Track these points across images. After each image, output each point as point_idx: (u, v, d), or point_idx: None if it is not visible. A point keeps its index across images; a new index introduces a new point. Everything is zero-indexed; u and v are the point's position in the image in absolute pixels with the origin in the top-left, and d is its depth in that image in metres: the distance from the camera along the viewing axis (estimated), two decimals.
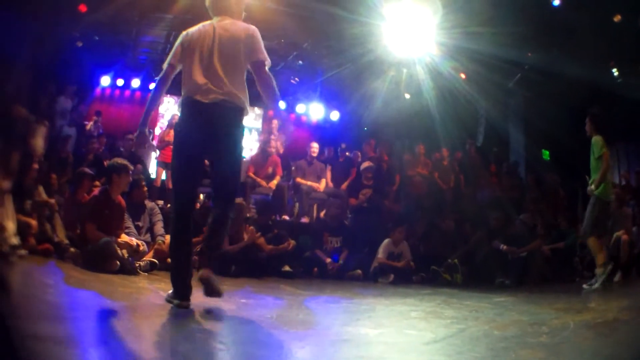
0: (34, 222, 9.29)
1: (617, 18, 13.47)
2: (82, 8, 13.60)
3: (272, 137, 16.05)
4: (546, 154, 18.96)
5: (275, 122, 17.11)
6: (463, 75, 16.67)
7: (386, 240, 11.82)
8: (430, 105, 16.85)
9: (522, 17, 13.57)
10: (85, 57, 17.50)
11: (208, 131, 6.23)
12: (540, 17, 13.81)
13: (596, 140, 10.36)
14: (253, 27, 6.85)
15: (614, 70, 16.18)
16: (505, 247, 12.01)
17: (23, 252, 7.83)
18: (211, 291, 5.93)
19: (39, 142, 9.78)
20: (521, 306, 7.79)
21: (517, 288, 10.71)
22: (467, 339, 5.14)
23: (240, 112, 6.47)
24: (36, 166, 9.76)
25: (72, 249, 9.49)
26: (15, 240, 7.12)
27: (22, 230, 8.38)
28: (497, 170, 16.85)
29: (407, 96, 18.37)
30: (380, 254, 11.67)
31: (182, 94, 6.64)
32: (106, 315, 5.39)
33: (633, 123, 16.78)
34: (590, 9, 13.18)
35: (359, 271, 11.56)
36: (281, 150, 16.04)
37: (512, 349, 4.64)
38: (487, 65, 15.52)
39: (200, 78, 6.49)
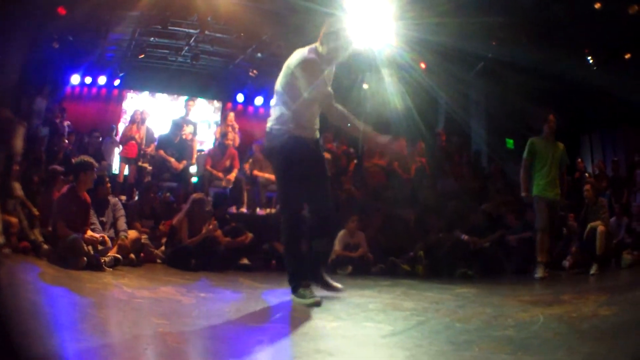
0: (15, 220, 9.45)
1: (597, 5, 13.49)
2: (61, 11, 13.59)
3: (229, 129, 16.03)
4: (510, 143, 18.89)
5: (231, 115, 17.16)
6: (423, 66, 16.62)
7: (341, 232, 11.61)
8: (390, 95, 16.80)
9: (490, 7, 13.55)
10: (57, 57, 17.58)
11: None
12: (509, 6, 13.78)
13: None
14: (294, 57, 7.09)
15: (589, 58, 16.19)
16: (466, 237, 11.92)
17: (7, 250, 8.42)
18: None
19: (19, 143, 9.84)
20: (485, 298, 7.70)
21: (481, 279, 10.63)
22: (426, 331, 5.07)
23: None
24: (17, 167, 10.13)
25: (45, 246, 9.56)
26: (1, 239, 7.19)
27: (5, 228, 8.71)
28: (460, 160, 16.80)
29: (366, 86, 18.37)
30: (337, 245, 11.36)
31: None
32: (76, 311, 5.57)
33: (607, 112, 16.84)
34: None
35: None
36: (237, 143, 16.06)
37: (474, 343, 4.54)
38: (447, 56, 15.51)
39: None
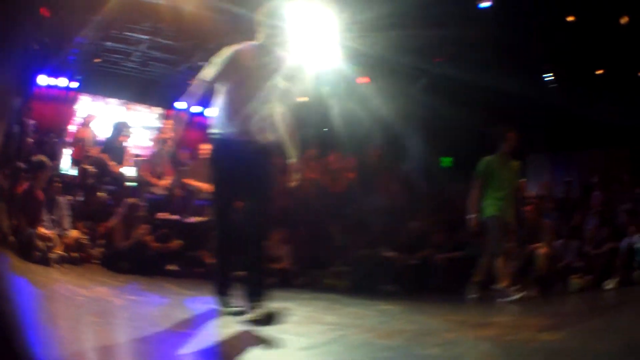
0: None
1: (570, 18, 13.62)
2: (45, 12, 13.62)
3: (165, 136, 16.21)
4: (447, 161, 19.18)
5: (169, 123, 17.38)
6: (365, 80, 16.71)
7: None
8: (328, 108, 16.93)
9: (438, 21, 13.64)
10: (29, 58, 17.39)
11: None
12: (461, 22, 13.87)
13: None
14: None
15: (549, 74, 16.34)
16: (392, 253, 11.86)
17: None
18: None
19: None
20: (409, 315, 7.76)
21: (407, 297, 10.43)
22: (347, 346, 5.18)
23: None
24: None
25: (11, 238, 9.66)
26: None
27: None
28: (391, 176, 16.79)
29: (303, 99, 18.44)
30: None
31: None
32: (32, 303, 5.80)
33: (558, 132, 16.91)
34: (526, 11, 13.30)
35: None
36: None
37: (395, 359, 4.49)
38: (390, 71, 15.65)
39: None
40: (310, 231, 12.93)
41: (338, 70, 15.53)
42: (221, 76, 6.39)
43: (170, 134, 15.80)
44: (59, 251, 9.85)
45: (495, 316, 8.18)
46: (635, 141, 16.00)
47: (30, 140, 15.25)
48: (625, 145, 17.26)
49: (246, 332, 5.50)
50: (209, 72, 6.46)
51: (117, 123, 15.41)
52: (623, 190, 14.81)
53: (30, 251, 9.25)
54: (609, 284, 11.41)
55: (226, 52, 6.43)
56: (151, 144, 19.65)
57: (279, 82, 6.59)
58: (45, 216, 10.35)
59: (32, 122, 16.67)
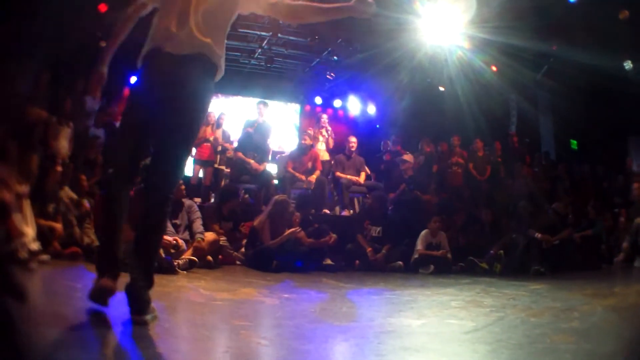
0: (58, 226, 9.26)
1: (623, 15, 13.58)
2: (102, 8, 13.77)
3: (324, 131, 16.77)
4: (574, 144, 19.23)
5: (324, 117, 17.62)
6: (494, 68, 16.83)
7: (424, 231, 11.95)
8: (463, 97, 17.02)
9: (542, 13, 13.81)
10: (114, 57, 17.34)
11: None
12: (559, 13, 14.04)
13: None
14: None
15: (629, 64, 16.18)
16: (539, 235, 11.92)
17: (45, 257, 7.92)
18: (136, 310, 4.40)
19: (63, 144, 9.67)
20: (555, 293, 8.07)
21: (552, 276, 10.84)
22: (505, 326, 5.33)
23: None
24: (59, 168, 9.94)
25: None
26: (35, 246, 7.07)
27: (45, 234, 8.51)
28: (531, 161, 16.97)
29: (442, 89, 18.62)
30: (419, 245, 11.79)
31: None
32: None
33: None
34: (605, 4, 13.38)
35: (400, 263, 11.63)
36: (331, 145, 16.70)
37: (547, 335, 4.92)
38: (515, 58, 15.82)
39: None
40: (464, 218, 13.29)
41: (470, 59, 15.64)
42: None
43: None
44: (187, 256, 9.23)
45: (615, 287, 8.91)
46: None
47: None
48: None
49: (411, 321, 5.59)
50: None
51: (251, 121, 15.06)
52: None
53: None
54: None
55: None
56: (291, 139, 20.12)
57: None
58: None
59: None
